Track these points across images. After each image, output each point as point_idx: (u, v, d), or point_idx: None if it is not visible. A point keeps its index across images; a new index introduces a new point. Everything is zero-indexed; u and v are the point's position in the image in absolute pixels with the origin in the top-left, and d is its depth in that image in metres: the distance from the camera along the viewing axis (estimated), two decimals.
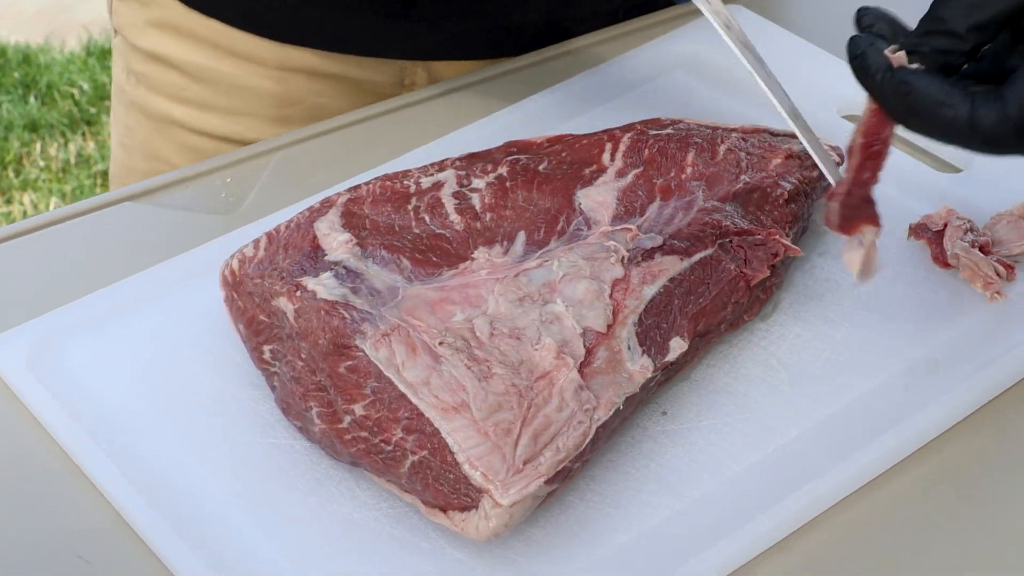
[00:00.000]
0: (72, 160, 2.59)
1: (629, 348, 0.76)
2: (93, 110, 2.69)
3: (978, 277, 0.82)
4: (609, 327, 0.76)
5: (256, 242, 0.83)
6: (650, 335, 0.77)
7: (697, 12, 0.87)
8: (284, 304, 0.78)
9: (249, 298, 0.81)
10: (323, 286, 0.78)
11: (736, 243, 0.82)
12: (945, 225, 0.85)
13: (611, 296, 0.77)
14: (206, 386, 0.81)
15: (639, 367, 0.75)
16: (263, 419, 0.80)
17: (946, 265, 0.84)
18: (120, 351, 0.83)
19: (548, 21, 1.06)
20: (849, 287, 0.86)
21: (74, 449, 0.78)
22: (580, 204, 0.85)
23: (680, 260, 0.80)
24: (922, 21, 0.74)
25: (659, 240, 0.81)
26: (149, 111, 1.10)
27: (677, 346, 0.78)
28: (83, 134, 2.66)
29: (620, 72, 1.04)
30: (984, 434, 0.78)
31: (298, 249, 0.82)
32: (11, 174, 2.54)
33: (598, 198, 0.85)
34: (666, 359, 0.77)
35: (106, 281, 0.87)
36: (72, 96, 2.73)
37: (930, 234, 0.86)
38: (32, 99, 2.72)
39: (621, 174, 0.87)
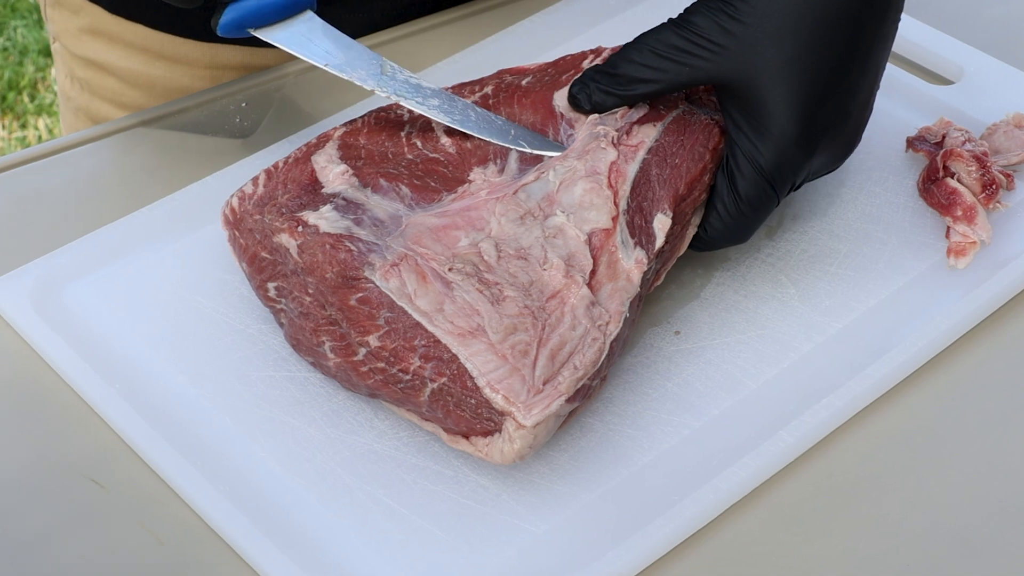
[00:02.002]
0: None
1: (623, 243, 0.75)
2: None
3: (980, 189, 0.83)
4: (614, 219, 0.76)
5: (255, 179, 0.82)
6: (635, 221, 0.77)
7: None
8: (286, 240, 0.77)
9: (250, 235, 0.80)
10: (325, 219, 0.77)
11: (703, 95, 0.82)
12: (943, 136, 0.85)
13: (609, 185, 0.77)
14: (217, 322, 0.81)
15: (634, 262, 0.75)
16: (276, 352, 0.79)
17: (935, 182, 0.84)
18: (126, 289, 0.82)
19: None
20: (850, 201, 0.86)
21: (86, 389, 0.77)
22: (559, 107, 0.84)
23: (654, 127, 0.80)
24: (605, 61, 0.82)
25: (645, 108, 0.81)
26: (94, 116, 1.09)
27: (661, 224, 0.77)
28: None
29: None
30: (992, 344, 0.79)
31: (296, 183, 0.81)
32: (26, 99, 2.50)
33: None
34: (656, 245, 0.76)
35: (122, 207, 0.87)
36: None
37: (928, 146, 0.86)
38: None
39: None
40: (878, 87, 0.80)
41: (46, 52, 2.56)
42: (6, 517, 0.72)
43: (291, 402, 0.77)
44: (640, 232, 0.76)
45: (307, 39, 0.84)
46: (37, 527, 0.72)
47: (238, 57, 1.03)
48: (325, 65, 0.83)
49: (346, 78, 0.83)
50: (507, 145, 0.82)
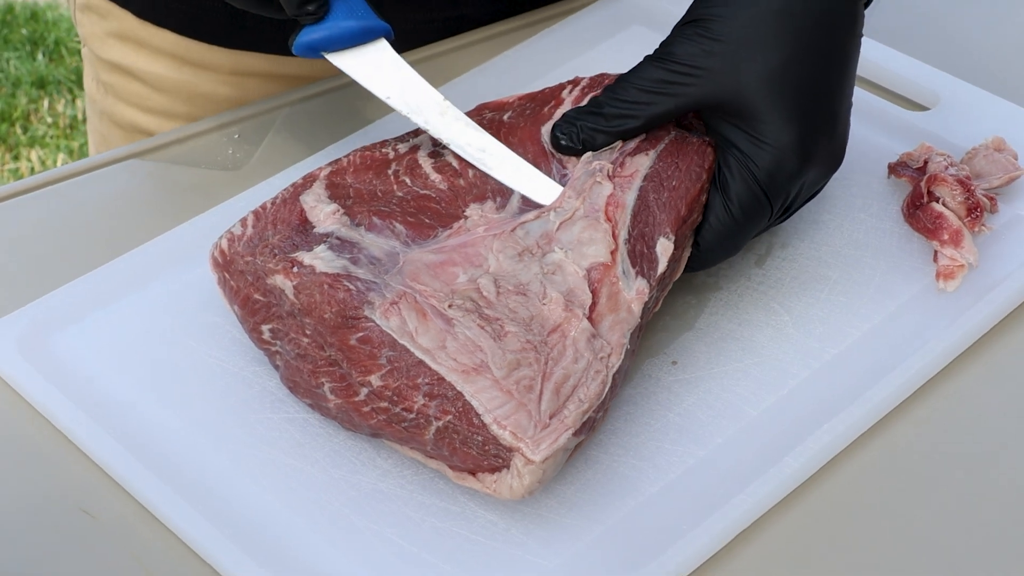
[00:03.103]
0: (79, 116, 2.57)
1: (624, 273, 0.76)
2: None
3: (965, 212, 0.84)
4: (612, 252, 0.76)
5: (244, 220, 0.81)
6: (637, 249, 0.77)
7: None
8: (281, 281, 0.77)
9: (241, 277, 0.80)
10: (320, 259, 0.77)
11: (693, 119, 0.83)
12: (925, 162, 0.87)
13: (607, 218, 0.78)
14: (210, 365, 0.80)
15: (635, 292, 0.75)
16: (272, 394, 0.79)
17: (920, 207, 0.85)
18: (116, 335, 0.82)
19: (497, 11, 1.06)
20: (836, 228, 0.87)
21: (78, 434, 0.76)
22: (549, 146, 0.85)
23: (647, 155, 0.81)
24: (588, 102, 0.83)
25: (638, 138, 0.82)
26: (119, 120, 1.10)
27: (663, 249, 0.77)
28: None
29: (576, 31, 1.04)
30: (987, 364, 0.80)
31: (287, 224, 0.81)
32: (19, 130, 2.52)
33: None
34: (658, 271, 0.77)
35: (114, 243, 0.87)
36: (79, 52, 2.71)
37: (910, 171, 0.87)
38: (40, 56, 2.70)
39: (578, 101, 0.86)
40: (851, 98, 0.82)
41: (39, 84, 2.57)
42: None
43: (291, 444, 0.77)
44: (642, 260, 0.77)
45: (375, 69, 0.85)
46: (30, 558, 0.72)
47: (263, 64, 1.04)
48: (387, 98, 0.84)
49: (404, 114, 0.84)
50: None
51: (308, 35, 0.84)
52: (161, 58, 1.05)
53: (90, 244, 0.89)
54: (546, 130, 0.85)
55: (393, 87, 0.85)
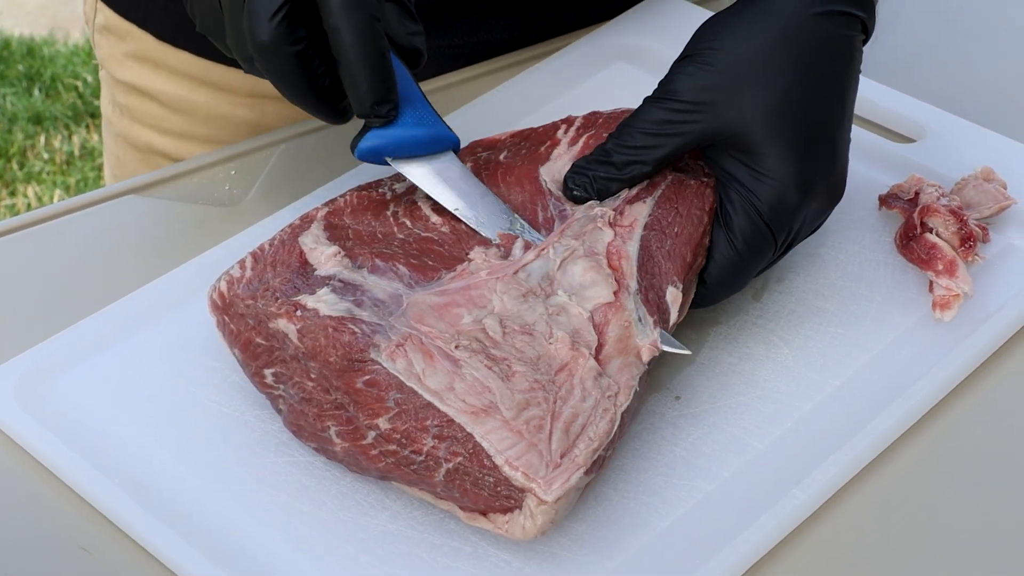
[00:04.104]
0: (76, 152, 2.57)
1: (640, 320, 0.76)
2: (97, 102, 2.67)
3: (958, 243, 0.85)
4: (615, 292, 0.77)
5: (242, 262, 0.81)
6: (650, 298, 0.78)
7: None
8: (284, 325, 0.77)
9: (242, 321, 0.79)
10: (323, 302, 0.77)
11: (689, 159, 0.83)
12: (916, 193, 0.88)
13: (611, 265, 0.78)
14: (211, 409, 0.80)
15: (649, 343, 0.76)
16: (275, 438, 0.79)
17: (914, 238, 0.86)
18: (114, 381, 0.82)
19: (510, 36, 1.07)
20: (831, 260, 0.88)
21: (83, 485, 0.76)
22: (546, 183, 0.85)
23: (644, 203, 0.81)
24: (594, 151, 0.83)
25: (636, 186, 0.82)
26: (135, 142, 1.10)
27: (672, 298, 0.78)
28: (87, 126, 2.65)
29: (559, 69, 1.04)
30: (986, 392, 0.81)
31: (286, 266, 0.81)
32: (15, 166, 2.52)
33: (557, 173, 0.86)
34: (671, 320, 0.78)
35: (110, 283, 0.87)
36: (76, 88, 2.71)
37: (902, 203, 0.88)
38: (36, 91, 2.70)
39: (574, 142, 0.87)
40: (850, 132, 0.83)
41: (35, 120, 2.58)
42: None
43: (297, 487, 0.76)
44: (656, 308, 0.77)
45: (442, 179, 0.84)
46: None
47: None
48: (455, 209, 0.83)
49: (474, 227, 0.82)
50: None
51: (374, 139, 0.81)
52: (179, 79, 1.05)
53: (87, 283, 0.89)
54: (544, 170, 0.86)
55: (462, 199, 0.83)
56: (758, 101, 0.79)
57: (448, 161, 0.84)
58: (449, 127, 0.84)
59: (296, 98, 0.79)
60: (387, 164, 0.83)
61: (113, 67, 1.09)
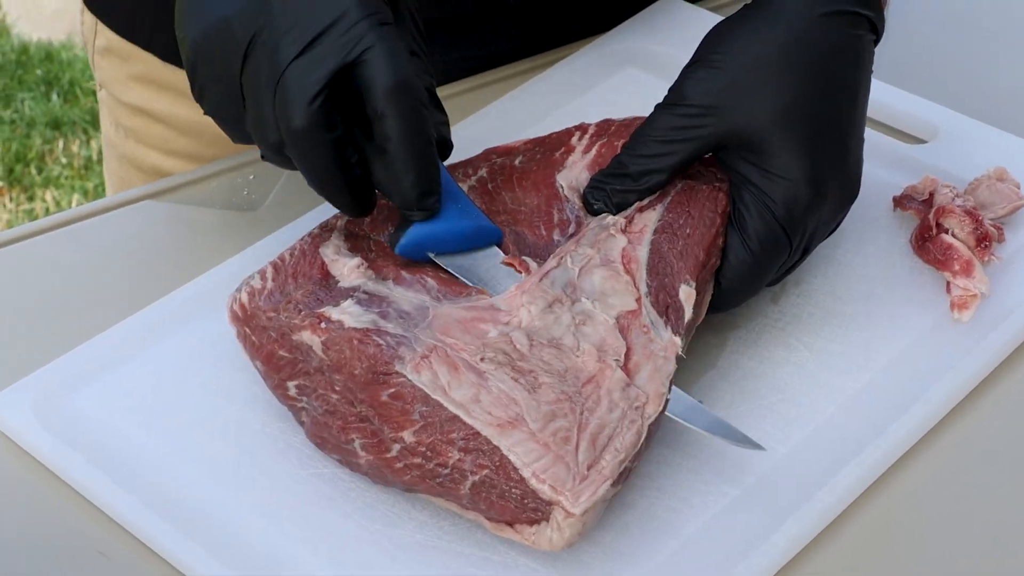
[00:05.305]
0: (94, 157, 2.57)
1: (653, 323, 0.77)
2: None
3: (974, 243, 0.85)
4: (638, 300, 0.77)
5: (262, 273, 0.81)
6: (660, 299, 0.78)
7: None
8: (308, 337, 0.77)
9: (264, 333, 0.80)
10: (348, 314, 0.77)
11: (701, 168, 0.84)
12: (931, 194, 0.88)
13: (626, 271, 0.79)
14: (233, 421, 0.80)
15: (667, 341, 0.76)
16: (298, 450, 0.79)
17: (929, 239, 0.87)
18: (133, 394, 0.82)
19: (517, 47, 1.07)
20: (847, 263, 0.88)
21: (105, 499, 0.76)
22: (563, 189, 0.86)
23: (654, 210, 0.82)
24: (610, 164, 0.83)
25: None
26: (141, 164, 1.09)
27: (686, 295, 0.78)
28: None
29: (570, 75, 1.05)
30: (1006, 391, 0.82)
31: (308, 278, 0.81)
32: (33, 171, 2.52)
33: (574, 180, 0.86)
34: (685, 318, 0.78)
35: (129, 287, 0.88)
36: (94, 93, 2.70)
37: (916, 204, 0.89)
38: (54, 96, 2.70)
39: (588, 150, 0.88)
40: (864, 132, 0.83)
41: (53, 124, 2.57)
42: None
43: (323, 498, 0.77)
44: (668, 310, 0.77)
45: (490, 275, 0.80)
46: None
47: None
48: None
49: None
50: None
51: (418, 232, 0.78)
52: (185, 100, 1.03)
53: (106, 286, 0.89)
54: (561, 177, 0.86)
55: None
56: (767, 102, 0.79)
57: (493, 256, 0.81)
58: (490, 219, 0.82)
59: (326, 187, 0.77)
60: (429, 259, 0.80)
61: (116, 89, 1.08)
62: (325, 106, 0.74)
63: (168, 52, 1.03)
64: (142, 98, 1.07)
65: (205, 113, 0.80)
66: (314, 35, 0.74)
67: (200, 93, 0.79)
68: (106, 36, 1.09)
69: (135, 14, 1.06)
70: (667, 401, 0.75)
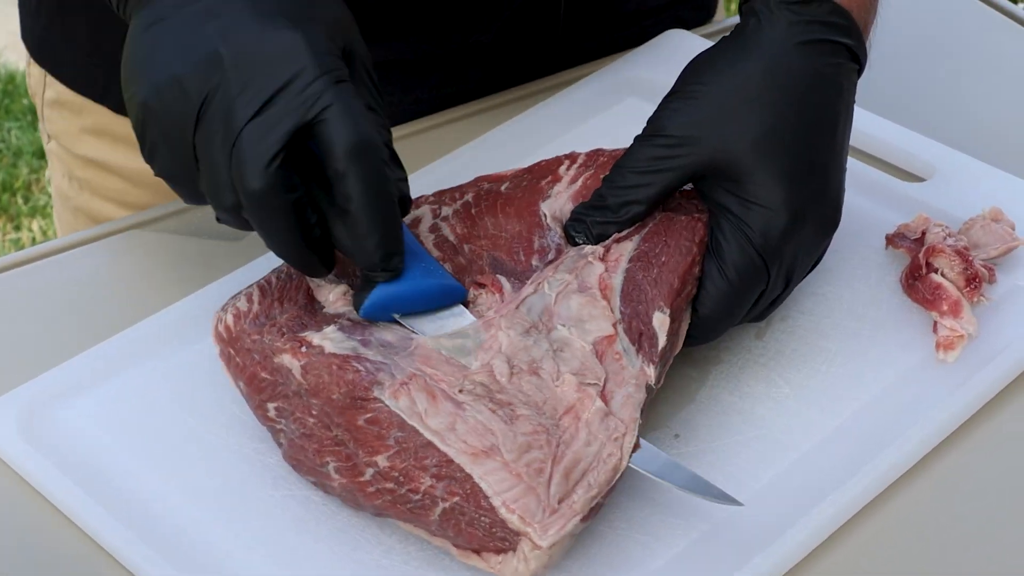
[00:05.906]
0: None
1: (625, 350, 0.77)
2: None
3: (964, 283, 0.85)
4: (614, 324, 0.77)
5: (248, 295, 0.82)
6: (634, 326, 0.78)
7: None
8: (288, 361, 0.77)
9: (247, 355, 0.80)
10: (329, 340, 0.77)
11: (682, 200, 0.84)
12: (923, 233, 0.88)
13: (603, 296, 0.78)
14: (210, 442, 0.81)
15: (639, 369, 0.76)
16: (273, 471, 0.79)
17: (919, 278, 0.86)
18: (116, 412, 0.82)
19: (479, 88, 1.07)
20: (835, 299, 0.88)
21: (82, 516, 0.77)
22: (545, 216, 0.86)
23: (631, 240, 0.82)
24: (591, 197, 0.83)
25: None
26: (96, 215, 1.08)
27: (660, 322, 0.78)
28: None
29: (571, 104, 1.05)
30: (987, 434, 0.81)
31: (294, 302, 0.81)
32: (20, 200, 2.52)
33: (557, 210, 0.86)
34: (659, 346, 0.77)
35: (113, 316, 0.88)
36: None
37: (908, 242, 0.88)
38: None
39: (574, 180, 0.88)
40: (846, 161, 0.83)
41: (40, 154, 2.59)
42: None
43: (293, 519, 0.77)
44: (640, 337, 0.77)
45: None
46: None
47: None
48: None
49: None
50: None
51: (382, 293, 0.77)
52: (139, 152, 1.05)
53: (91, 317, 0.89)
54: (545, 205, 0.86)
55: None
56: (744, 131, 0.79)
57: (458, 315, 0.80)
58: (454, 277, 0.81)
59: (285, 249, 0.75)
60: (394, 321, 0.79)
61: (68, 142, 1.06)
62: (283, 168, 0.72)
63: (122, 105, 1.02)
64: (95, 150, 1.05)
65: (156, 175, 0.78)
66: (270, 95, 0.72)
67: (150, 154, 0.77)
68: (56, 89, 1.07)
69: (87, 68, 1.05)
70: (639, 424, 0.74)
